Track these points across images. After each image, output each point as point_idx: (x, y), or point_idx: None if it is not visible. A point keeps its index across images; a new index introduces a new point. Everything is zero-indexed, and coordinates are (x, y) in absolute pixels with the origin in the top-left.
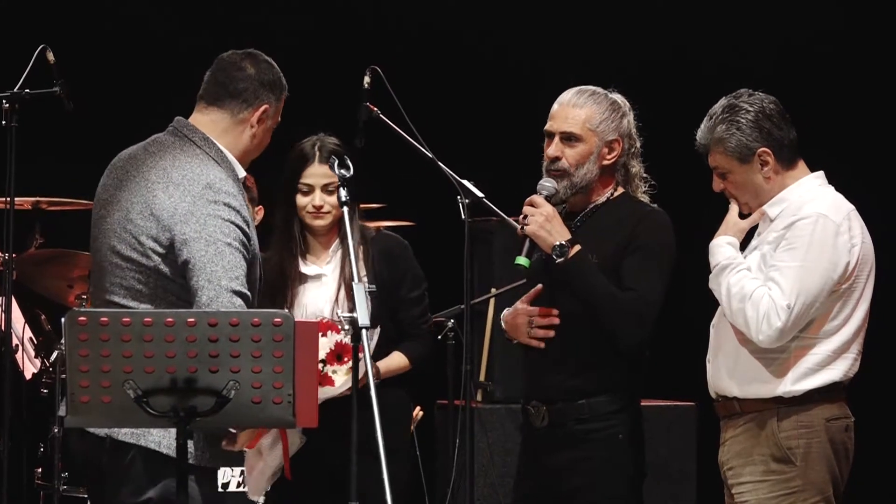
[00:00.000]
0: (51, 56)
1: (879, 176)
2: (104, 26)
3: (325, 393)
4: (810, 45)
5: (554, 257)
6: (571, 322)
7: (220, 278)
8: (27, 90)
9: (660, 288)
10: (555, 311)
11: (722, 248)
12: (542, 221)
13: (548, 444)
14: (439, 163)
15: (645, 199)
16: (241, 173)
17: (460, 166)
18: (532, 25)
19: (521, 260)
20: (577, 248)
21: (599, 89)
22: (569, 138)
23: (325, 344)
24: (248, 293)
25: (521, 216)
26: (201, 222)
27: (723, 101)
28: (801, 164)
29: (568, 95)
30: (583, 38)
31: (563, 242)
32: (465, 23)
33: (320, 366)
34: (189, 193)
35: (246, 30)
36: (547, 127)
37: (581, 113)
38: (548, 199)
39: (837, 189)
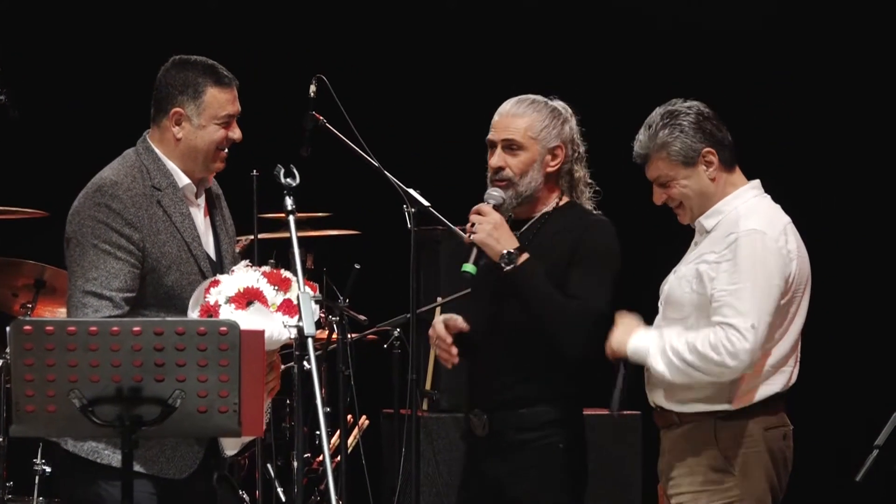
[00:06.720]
0: None
1: (812, 184)
2: (50, 33)
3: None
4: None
5: (502, 265)
6: (514, 331)
7: (77, 278)
8: None
9: (604, 295)
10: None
11: (644, 338)
12: (490, 230)
13: (488, 453)
14: (385, 171)
15: (590, 205)
16: (182, 181)
17: (406, 175)
18: (477, 35)
19: (468, 267)
20: (525, 256)
21: (539, 97)
22: (511, 147)
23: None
24: (111, 295)
25: (469, 224)
26: (79, 223)
27: (659, 110)
28: (739, 171)
29: (508, 105)
30: (528, 47)
31: (512, 251)
32: (412, 31)
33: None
34: (83, 195)
35: (193, 37)
36: (489, 137)
37: (522, 121)
38: (495, 208)
39: (773, 198)
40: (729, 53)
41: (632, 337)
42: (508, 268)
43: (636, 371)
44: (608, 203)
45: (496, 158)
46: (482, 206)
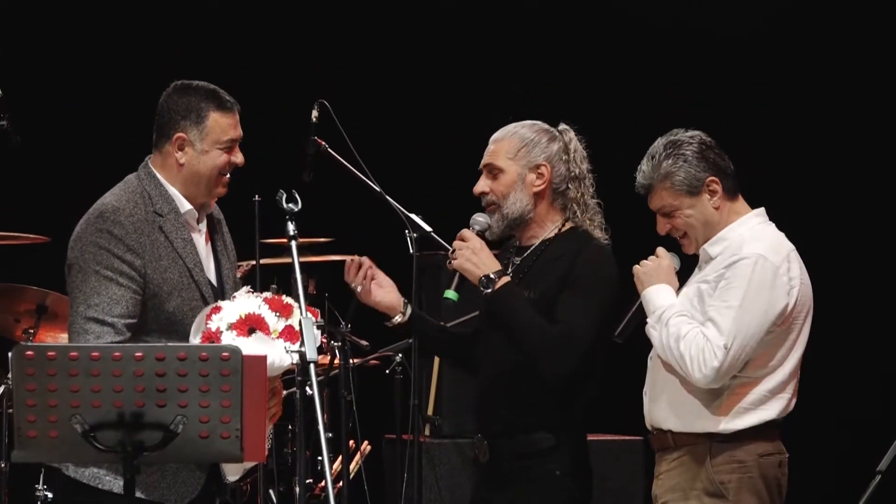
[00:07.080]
0: None
1: (812, 184)
2: (50, 58)
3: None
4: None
5: (481, 289)
6: (509, 357)
7: (79, 304)
8: None
9: (590, 320)
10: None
11: (660, 295)
12: (469, 254)
13: (490, 479)
14: (387, 196)
15: (599, 231)
16: (184, 206)
17: (408, 200)
18: (480, 55)
19: (450, 293)
20: (505, 279)
21: (529, 121)
22: (492, 171)
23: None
24: (113, 321)
25: (451, 250)
26: (81, 249)
27: (661, 140)
28: (742, 199)
29: (497, 132)
30: (531, 72)
31: (491, 275)
32: (416, 58)
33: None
34: (85, 221)
35: (195, 64)
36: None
37: (503, 145)
38: (480, 233)
39: (778, 226)
40: (728, 54)
41: (655, 286)
42: (487, 291)
43: (641, 396)
44: (609, 222)
45: (477, 184)
46: (464, 232)
